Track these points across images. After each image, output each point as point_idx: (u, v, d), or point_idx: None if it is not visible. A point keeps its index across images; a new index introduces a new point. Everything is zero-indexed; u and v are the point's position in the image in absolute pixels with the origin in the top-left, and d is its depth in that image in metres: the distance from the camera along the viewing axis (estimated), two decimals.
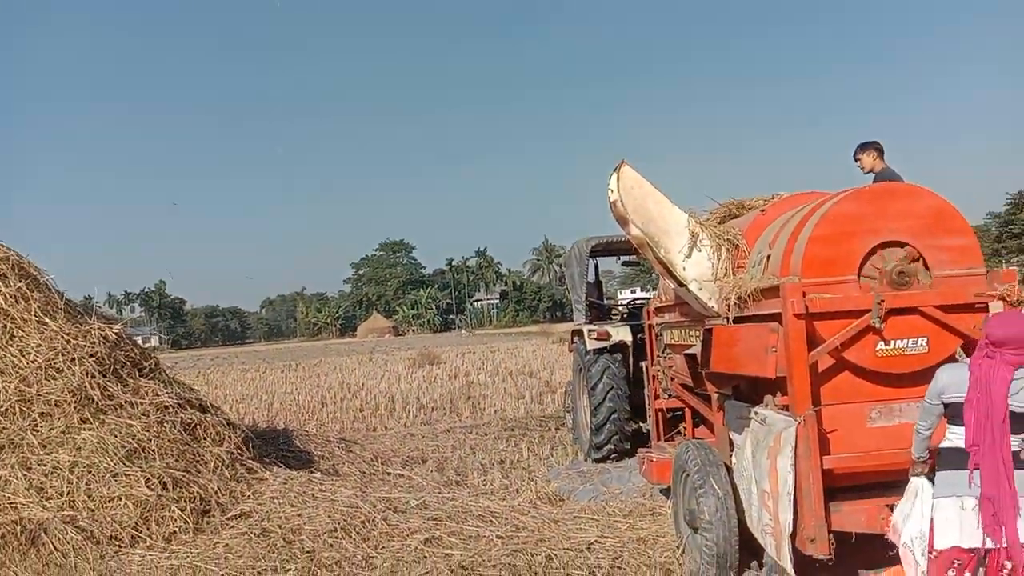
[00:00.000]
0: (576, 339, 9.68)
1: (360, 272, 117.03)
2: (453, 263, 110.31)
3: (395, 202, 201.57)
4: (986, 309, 4.38)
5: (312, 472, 7.54)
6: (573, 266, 9.89)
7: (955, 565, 3.55)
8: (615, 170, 5.15)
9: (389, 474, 8.64)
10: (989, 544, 3.45)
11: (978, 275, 4.36)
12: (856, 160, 6.53)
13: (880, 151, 6.42)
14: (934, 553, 3.63)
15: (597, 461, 8.91)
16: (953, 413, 3.62)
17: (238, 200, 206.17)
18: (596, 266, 10.89)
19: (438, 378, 21.17)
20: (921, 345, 4.27)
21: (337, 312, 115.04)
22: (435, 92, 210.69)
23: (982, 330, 3.70)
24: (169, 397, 7.02)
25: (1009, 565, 3.47)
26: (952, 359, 4.34)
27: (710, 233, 5.21)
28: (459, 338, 59.47)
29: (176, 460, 6.35)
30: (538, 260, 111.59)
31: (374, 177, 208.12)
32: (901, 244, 4.33)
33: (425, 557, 5.34)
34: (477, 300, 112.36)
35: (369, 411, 15.30)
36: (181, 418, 6.85)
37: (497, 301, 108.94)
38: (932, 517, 3.68)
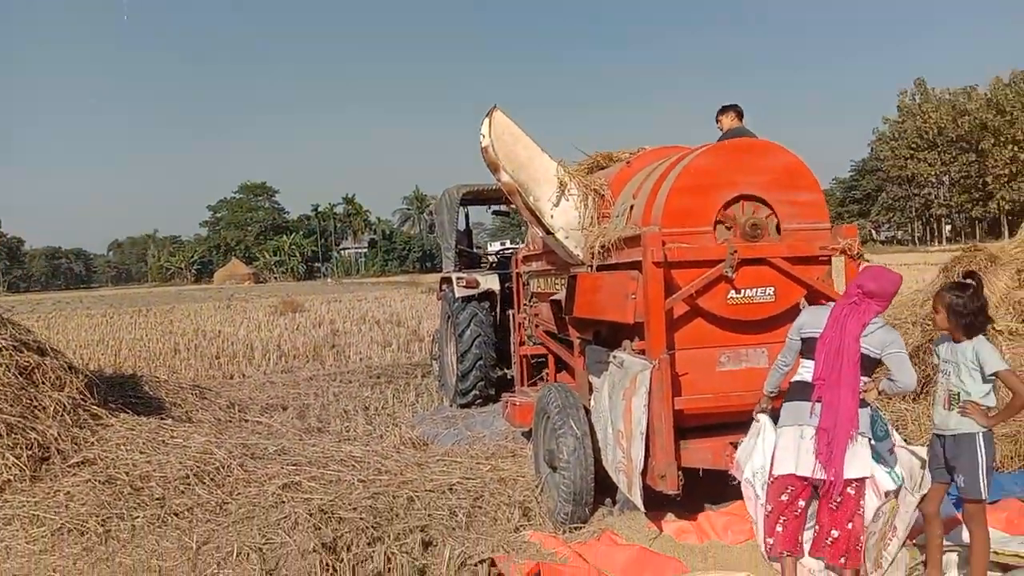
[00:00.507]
0: (445, 287, 9.68)
1: (218, 215, 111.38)
2: (319, 209, 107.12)
3: (257, 142, 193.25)
4: (829, 262, 4.70)
5: (163, 419, 7.19)
6: (443, 213, 9.83)
7: (788, 491, 3.82)
8: (487, 115, 5.12)
9: (247, 421, 8.39)
10: (820, 474, 3.74)
11: (823, 230, 4.65)
12: (717, 122, 6.76)
13: (740, 114, 6.67)
14: (772, 478, 3.90)
15: (462, 407, 9.02)
16: (808, 348, 3.87)
17: (84, 134, 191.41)
18: (467, 215, 10.88)
19: (301, 326, 20.66)
20: (769, 294, 4.53)
21: (192, 257, 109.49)
22: (301, 30, 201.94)
23: (855, 280, 3.93)
24: (2, 339, 6.48)
25: (839, 499, 3.77)
26: (796, 308, 4.64)
27: (578, 183, 5.29)
28: (324, 286, 58.20)
29: (10, 405, 5.88)
30: (409, 209, 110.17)
31: (235, 115, 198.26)
32: (755, 198, 4.54)
33: (283, 502, 5.23)
34: (344, 248, 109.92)
35: (226, 358, 14.76)
36: (16, 361, 6.33)
37: (365, 250, 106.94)
38: (775, 444, 3.95)
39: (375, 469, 6.13)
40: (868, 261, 4.63)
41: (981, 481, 3.65)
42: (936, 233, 78.86)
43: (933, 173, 75.88)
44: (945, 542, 4.05)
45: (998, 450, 5.71)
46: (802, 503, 3.84)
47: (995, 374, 3.58)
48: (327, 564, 4.37)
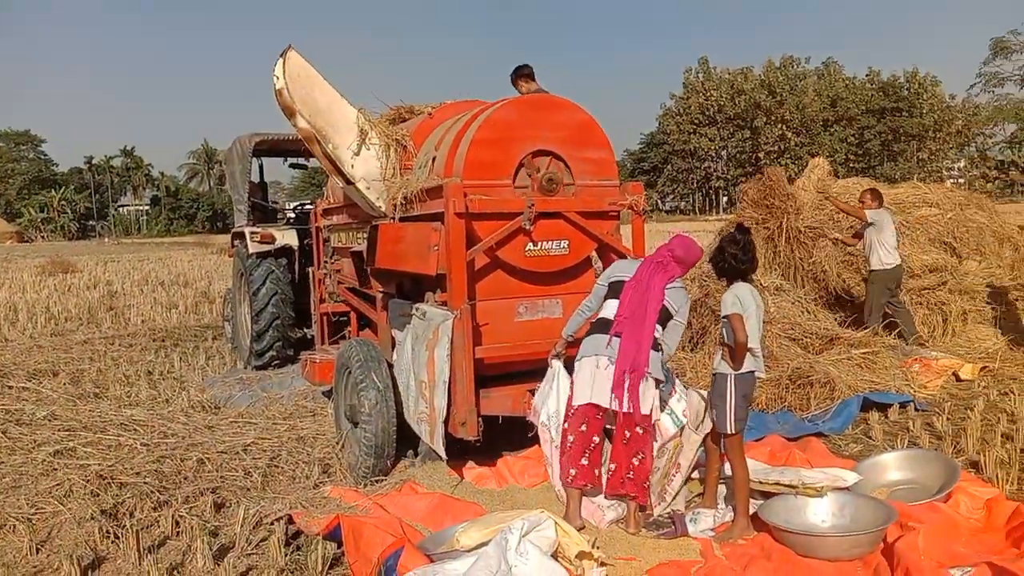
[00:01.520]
0: (237, 242, 9.19)
1: None
2: (93, 162, 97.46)
3: (20, 86, 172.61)
4: (618, 217, 4.95)
5: None
6: (235, 163, 9.27)
7: (587, 421, 4.03)
8: (281, 56, 4.88)
9: (10, 388, 7.57)
10: (615, 405, 3.96)
11: (613, 186, 4.89)
12: (515, 85, 6.77)
13: (531, 75, 6.70)
14: (572, 410, 4.10)
15: (258, 369, 8.66)
16: (614, 291, 4.13)
17: None
18: (261, 166, 10.33)
19: (74, 287, 18.85)
20: (563, 247, 4.71)
21: None
22: None
23: (667, 245, 4.20)
24: None
25: (628, 435, 4.02)
26: (588, 261, 4.87)
27: (379, 132, 5.19)
28: (101, 246, 53.51)
29: None
30: (196, 164, 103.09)
31: None
32: (552, 153, 4.68)
33: (55, 469, 4.80)
34: (123, 206, 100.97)
35: None
36: None
37: (148, 208, 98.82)
38: (573, 379, 4.14)
39: (160, 433, 5.79)
40: (652, 217, 4.93)
41: (728, 417, 3.98)
42: (714, 204, 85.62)
43: (713, 148, 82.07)
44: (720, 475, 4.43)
45: (763, 392, 6.37)
46: (596, 438, 4.06)
47: (726, 318, 3.93)
48: (108, 531, 4.06)
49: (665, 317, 4.07)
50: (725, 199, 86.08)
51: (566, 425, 4.14)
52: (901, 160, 74.56)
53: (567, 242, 4.71)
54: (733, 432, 4.00)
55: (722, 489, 4.44)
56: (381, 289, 5.61)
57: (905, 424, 5.95)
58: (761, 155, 77.80)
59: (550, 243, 4.66)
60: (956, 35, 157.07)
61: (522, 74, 6.49)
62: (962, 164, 77.98)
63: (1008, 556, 3.46)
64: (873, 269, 8.07)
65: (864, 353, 7.15)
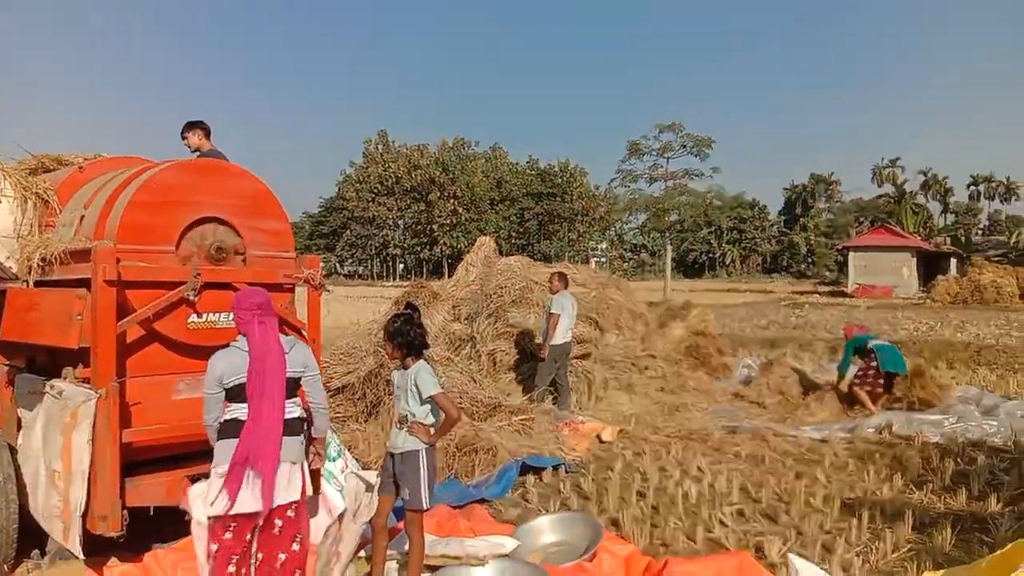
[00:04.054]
0: None
1: None
2: None
3: None
4: (293, 290, 4.81)
5: None
6: None
7: (231, 528, 3.69)
8: None
9: None
10: (255, 507, 3.61)
11: (288, 258, 4.76)
12: (184, 139, 6.30)
13: (207, 132, 6.28)
14: (211, 519, 3.67)
15: None
16: (234, 394, 3.70)
17: None
18: None
19: None
20: (231, 319, 4.41)
21: None
22: None
23: (239, 302, 3.75)
24: None
25: (280, 523, 3.77)
26: None
27: (15, 183, 4.58)
28: None
29: None
30: None
31: None
32: (222, 221, 4.44)
33: None
34: None
35: None
36: None
37: None
38: (210, 484, 3.74)
39: None
40: (330, 291, 4.87)
41: (423, 493, 4.04)
42: (391, 271, 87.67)
43: (391, 217, 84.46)
44: (388, 551, 4.39)
45: None
46: (248, 536, 3.73)
47: (430, 398, 4.02)
48: None
49: (291, 386, 3.78)
50: (401, 266, 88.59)
51: (208, 533, 3.75)
52: (555, 239, 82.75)
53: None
54: (428, 507, 4.04)
55: (390, 565, 4.41)
56: (6, 362, 4.82)
57: (557, 486, 6.41)
58: (435, 227, 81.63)
59: (217, 315, 4.37)
60: (602, 133, 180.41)
61: (197, 127, 6.05)
62: (604, 245, 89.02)
63: None
64: (550, 344, 8.74)
65: (523, 419, 7.66)
